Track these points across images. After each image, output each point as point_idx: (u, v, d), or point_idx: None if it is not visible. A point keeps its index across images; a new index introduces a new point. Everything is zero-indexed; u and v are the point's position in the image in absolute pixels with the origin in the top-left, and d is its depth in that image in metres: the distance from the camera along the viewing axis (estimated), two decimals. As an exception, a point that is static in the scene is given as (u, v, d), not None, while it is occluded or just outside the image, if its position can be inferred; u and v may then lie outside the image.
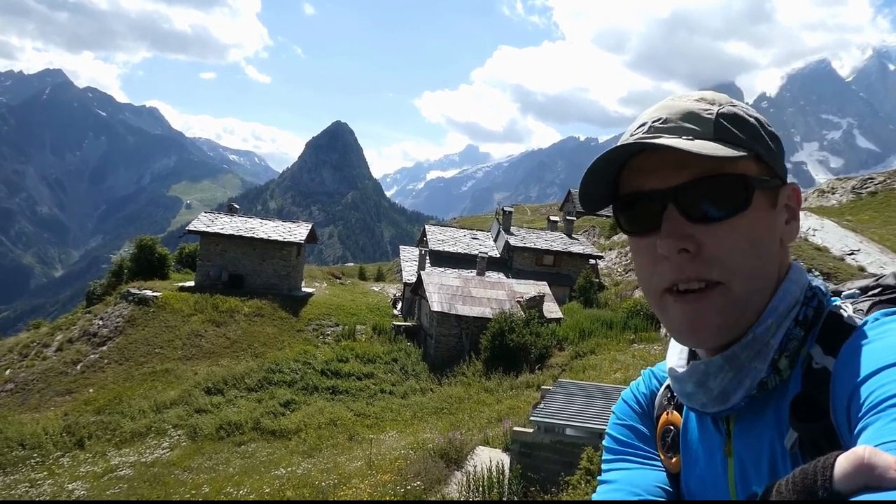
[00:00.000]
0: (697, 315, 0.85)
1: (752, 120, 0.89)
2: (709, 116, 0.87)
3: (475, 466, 9.44)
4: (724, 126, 0.86)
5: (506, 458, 9.59)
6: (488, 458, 9.58)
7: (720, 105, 0.89)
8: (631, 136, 0.90)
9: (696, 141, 0.84)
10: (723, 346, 0.88)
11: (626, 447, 1.04)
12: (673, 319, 0.87)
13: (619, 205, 0.92)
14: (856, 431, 0.67)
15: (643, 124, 0.90)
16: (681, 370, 0.93)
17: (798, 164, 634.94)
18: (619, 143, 0.87)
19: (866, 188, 43.87)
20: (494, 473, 8.81)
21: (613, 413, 1.10)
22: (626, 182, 0.91)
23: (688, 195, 0.84)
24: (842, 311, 0.86)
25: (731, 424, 0.90)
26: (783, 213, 0.91)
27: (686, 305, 0.85)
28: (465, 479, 9.09)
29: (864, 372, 0.72)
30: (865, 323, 0.80)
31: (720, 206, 0.84)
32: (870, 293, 0.89)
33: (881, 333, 0.76)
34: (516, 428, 9.57)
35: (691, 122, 0.87)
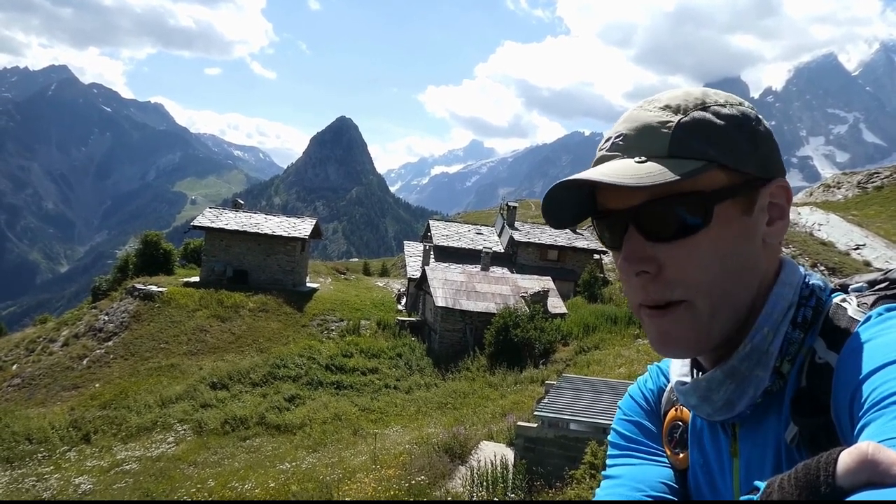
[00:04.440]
0: (666, 330, 0.85)
1: (722, 123, 0.84)
2: (666, 131, 0.84)
3: (479, 461, 9.45)
4: (682, 140, 0.83)
5: (510, 453, 9.61)
6: (492, 453, 9.59)
7: (684, 113, 0.85)
8: (599, 150, 0.90)
9: (644, 164, 0.81)
10: (723, 357, 0.88)
11: (632, 443, 1.04)
12: (648, 333, 0.88)
13: (596, 218, 0.91)
14: (858, 428, 0.66)
15: (608, 139, 0.89)
16: (685, 382, 0.92)
17: (804, 158, 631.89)
18: (570, 177, 0.85)
19: (872, 183, 43.69)
20: (499, 468, 8.81)
21: (619, 409, 1.10)
22: (599, 198, 0.90)
23: (645, 216, 0.83)
24: (846, 305, 0.85)
25: (737, 427, 0.90)
26: (764, 214, 0.86)
27: (656, 321, 0.85)
28: (469, 473, 9.11)
29: (866, 368, 0.71)
30: (869, 318, 0.79)
31: (678, 225, 0.82)
32: (877, 287, 0.88)
33: (884, 329, 0.75)
34: (520, 423, 9.58)
35: (646, 140, 0.84)
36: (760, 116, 0.90)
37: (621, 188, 0.81)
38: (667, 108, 0.86)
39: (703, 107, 0.86)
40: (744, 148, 0.85)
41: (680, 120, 0.84)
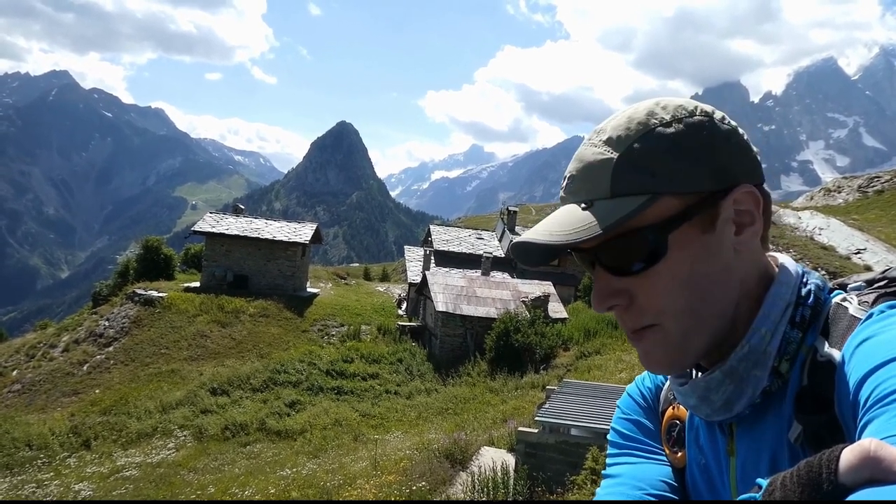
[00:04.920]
0: (646, 351, 0.89)
1: (664, 146, 0.83)
2: (606, 172, 0.83)
3: (480, 467, 9.42)
4: (622, 177, 0.82)
5: (511, 459, 9.58)
6: (493, 459, 9.56)
7: (624, 146, 0.84)
8: (561, 188, 0.92)
9: (584, 212, 0.83)
10: (720, 358, 0.89)
11: (631, 441, 1.05)
12: (637, 352, 0.92)
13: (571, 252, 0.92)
14: (861, 425, 0.66)
15: (564, 178, 0.91)
16: (683, 383, 0.93)
17: (804, 162, 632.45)
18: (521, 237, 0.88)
19: (872, 187, 43.70)
20: (499, 474, 8.79)
21: (618, 407, 1.10)
22: None
23: (606, 255, 0.86)
24: (846, 303, 0.86)
25: (734, 426, 0.91)
26: (729, 225, 0.85)
27: (637, 344, 0.89)
28: (470, 479, 9.08)
29: (869, 365, 0.70)
30: (871, 315, 0.79)
31: (638, 259, 0.84)
32: (875, 285, 0.88)
33: (887, 326, 0.75)
34: (521, 428, 9.55)
35: (589, 182, 0.85)
36: (718, 118, 0.87)
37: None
38: (608, 141, 0.85)
39: (646, 132, 0.84)
40: (691, 168, 0.83)
41: (619, 156, 0.83)
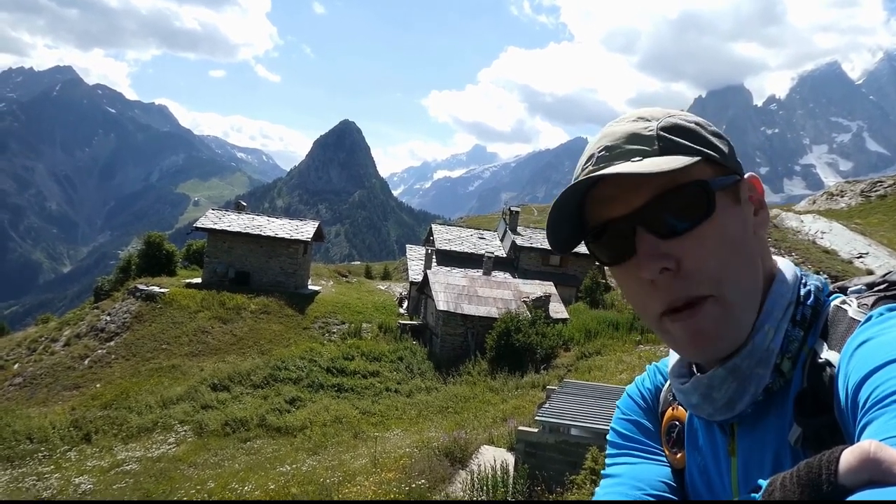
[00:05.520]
0: (699, 329, 0.84)
1: (692, 125, 0.90)
2: (650, 133, 0.87)
3: (480, 465, 9.43)
4: (667, 138, 0.87)
5: (510, 458, 9.59)
6: (493, 458, 9.57)
7: (658, 119, 0.89)
8: (582, 170, 0.91)
9: (644, 160, 0.84)
10: (723, 357, 0.88)
11: (630, 442, 1.05)
12: (676, 339, 0.87)
13: (591, 238, 0.91)
14: (860, 426, 0.67)
15: (591, 156, 0.90)
16: (685, 382, 0.93)
17: (807, 166, 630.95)
18: (571, 183, 0.87)
19: (875, 191, 43.60)
20: (499, 473, 8.80)
21: (618, 408, 1.10)
22: (591, 216, 0.90)
23: (652, 214, 0.84)
24: (846, 306, 0.86)
25: (735, 425, 0.91)
26: (749, 205, 0.91)
27: (684, 322, 0.84)
28: (469, 478, 9.09)
29: (868, 367, 0.71)
30: (870, 318, 0.80)
31: (686, 216, 0.84)
32: (876, 288, 0.88)
33: (886, 328, 0.75)
34: (521, 427, 9.56)
35: (635, 143, 0.87)
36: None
37: (634, 183, 0.84)
38: (639, 118, 0.90)
39: (670, 115, 0.91)
40: (716, 146, 0.89)
41: (659, 124, 0.88)
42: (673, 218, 0.84)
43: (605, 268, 0.95)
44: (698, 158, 0.84)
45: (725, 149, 0.90)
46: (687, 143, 0.86)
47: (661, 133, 0.87)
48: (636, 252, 0.86)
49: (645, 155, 0.85)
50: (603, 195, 0.88)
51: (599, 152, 0.88)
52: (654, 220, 0.84)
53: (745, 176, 0.92)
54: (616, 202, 0.86)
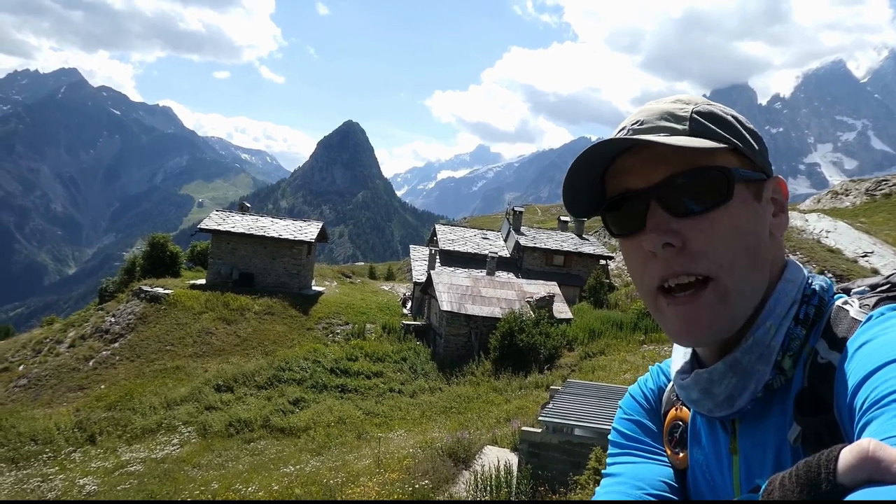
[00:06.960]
0: (692, 314, 0.85)
1: (728, 117, 0.91)
2: (684, 114, 0.89)
3: (483, 466, 9.42)
4: (701, 122, 0.88)
5: (514, 458, 9.58)
6: (496, 458, 9.56)
7: (696, 104, 0.91)
8: (619, 132, 0.93)
9: (671, 137, 0.85)
10: (724, 351, 0.89)
11: (632, 441, 1.05)
12: (668, 321, 0.88)
13: (606, 208, 0.93)
14: (859, 426, 0.67)
15: (623, 129, 0.92)
16: (685, 377, 0.93)
17: (812, 165, 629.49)
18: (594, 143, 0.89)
19: (881, 190, 43.43)
20: (503, 473, 8.79)
21: (620, 408, 1.11)
22: (610, 185, 0.92)
23: (669, 190, 0.86)
24: (848, 306, 0.86)
25: (737, 423, 0.91)
26: (770, 206, 0.91)
27: (680, 307, 0.86)
28: (473, 478, 9.08)
29: (868, 367, 0.71)
30: (870, 318, 0.80)
31: (701, 199, 0.85)
32: (879, 289, 0.88)
33: (885, 329, 0.75)
34: (525, 428, 9.54)
35: (668, 121, 0.88)
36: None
37: (655, 158, 0.86)
38: (678, 101, 0.93)
39: (709, 104, 0.93)
40: (748, 140, 0.90)
41: (694, 108, 0.90)
42: (688, 198, 0.85)
43: (615, 239, 0.96)
44: (724, 146, 0.86)
45: (758, 146, 0.92)
46: (718, 129, 0.88)
47: (695, 116, 0.89)
48: (645, 226, 0.87)
49: (673, 132, 0.87)
50: (625, 166, 0.90)
51: (633, 125, 0.91)
52: (670, 196, 0.86)
53: (772, 177, 0.93)
54: (636, 174, 0.88)
